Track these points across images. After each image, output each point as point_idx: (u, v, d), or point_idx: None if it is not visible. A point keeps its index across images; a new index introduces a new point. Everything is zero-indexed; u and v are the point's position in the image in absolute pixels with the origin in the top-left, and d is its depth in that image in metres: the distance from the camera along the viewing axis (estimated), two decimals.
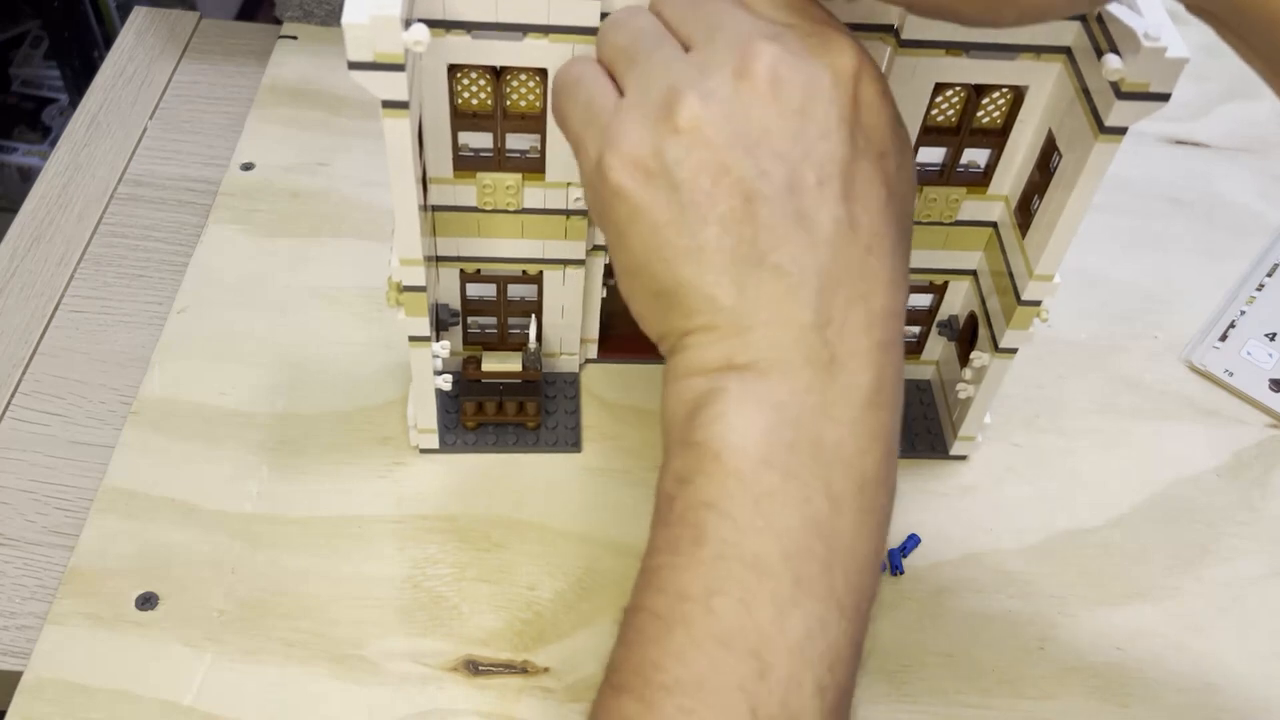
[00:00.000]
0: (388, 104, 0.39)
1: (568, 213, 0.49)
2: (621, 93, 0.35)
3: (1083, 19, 0.42)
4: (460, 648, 0.48)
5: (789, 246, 0.32)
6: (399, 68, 0.38)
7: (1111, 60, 0.39)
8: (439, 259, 0.51)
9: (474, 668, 0.48)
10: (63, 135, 0.69)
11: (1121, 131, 0.41)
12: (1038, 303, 0.48)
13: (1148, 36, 0.38)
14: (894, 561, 0.53)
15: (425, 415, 0.53)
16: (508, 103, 0.45)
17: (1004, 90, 0.46)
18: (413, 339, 0.48)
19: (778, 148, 0.32)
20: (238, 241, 0.63)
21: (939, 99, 0.46)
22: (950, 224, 0.51)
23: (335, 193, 0.66)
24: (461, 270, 0.52)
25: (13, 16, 1.38)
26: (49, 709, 0.45)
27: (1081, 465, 0.58)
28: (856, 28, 0.43)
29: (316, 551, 0.51)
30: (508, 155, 0.47)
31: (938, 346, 0.58)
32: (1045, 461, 0.57)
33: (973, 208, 0.50)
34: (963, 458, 0.57)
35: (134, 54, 0.75)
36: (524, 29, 0.42)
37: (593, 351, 0.59)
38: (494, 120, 0.46)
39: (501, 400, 0.55)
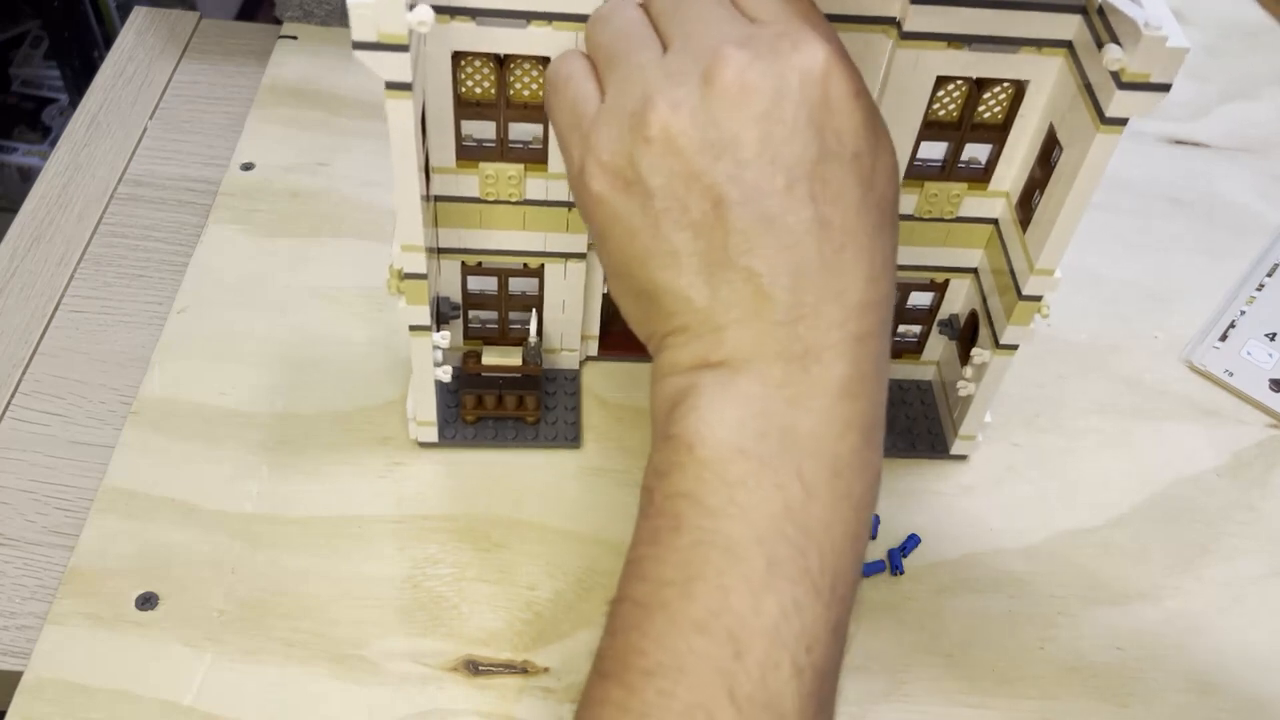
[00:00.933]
0: (391, 85, 0.39)
1: (569, 205, 0.50)
2: (604, 92, 0.36)
3: (1084, 11, 0.42)
4: (460, 648, 0.48)
5: (759, 249, 0.33)
6: (403, 48, 0.38)
7: (1112, 50, 0.39)
8: (440, 250, 0.51)
9: (474, 668, 0.48)
10: (63, 135, 0.69)
11: (1122, 123, 0.41)
12: (1039, 298, 0.48)
13: (1148, 26, 0.38)
14: (894, 561, 0.52)
15: (425, 408, 0.53)
16: (510, 92, 0.46)
17: (1005, 85, 0.46)
18: (413, 328, 0.48)
19: (745, 154, 0.33)
20: (238, 241, 0.63)
21: (940, 93, 0.46)
22: (951, 220, 0.51)
23: (335, 193, 0.66)
24: (463, 263, 0.52)
25: (13, 16, 1.38)
26: (49, 709, 0.45)
27: (1081, 465, 0.58)
28: (858, 20, 0.43)
29: (316, 551, 0.51)
30: (510, 145, 0.48)
31: (938, 346, 0.58)
32: (1045, 461, 0.57)
33: (974, 204, 0.50)
34: (963, 457, 0.57)
35: (134, 54, 0.75)
36: (528, 16, 0.42)
37: (593, 348, 0.59)
38: (497, 110, 0.46)
39: (501, 395, 0.55)
